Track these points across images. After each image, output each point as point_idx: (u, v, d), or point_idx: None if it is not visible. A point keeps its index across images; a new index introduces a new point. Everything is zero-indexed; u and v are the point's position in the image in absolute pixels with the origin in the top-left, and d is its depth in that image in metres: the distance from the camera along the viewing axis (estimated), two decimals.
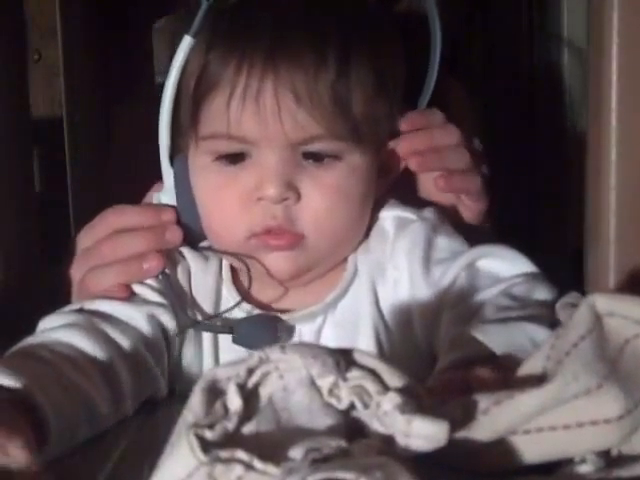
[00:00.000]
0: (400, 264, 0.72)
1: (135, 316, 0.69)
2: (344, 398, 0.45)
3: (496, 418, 0.47)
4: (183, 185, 0.73)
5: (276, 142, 0.66)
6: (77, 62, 1.18)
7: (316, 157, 0.68)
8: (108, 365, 0.63)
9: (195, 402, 0.43)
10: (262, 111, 0.64)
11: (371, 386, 0.45)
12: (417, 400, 0.45)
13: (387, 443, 0.44)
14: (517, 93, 1.27)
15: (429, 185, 0.78)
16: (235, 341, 0.71)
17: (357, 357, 0.47)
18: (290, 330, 0.72)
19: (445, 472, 0.46)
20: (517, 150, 1.22)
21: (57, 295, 0.75)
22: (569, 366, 0.48)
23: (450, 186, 0.77)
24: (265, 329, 0.70)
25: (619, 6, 0.66)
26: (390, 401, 0.44)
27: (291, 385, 0.45)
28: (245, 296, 0.74)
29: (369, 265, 0.73)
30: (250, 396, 0.44)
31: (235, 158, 0.68)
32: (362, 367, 0.46)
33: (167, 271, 0.73)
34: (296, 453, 0.41)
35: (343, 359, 0.47)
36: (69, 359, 0.60)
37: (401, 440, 0.43)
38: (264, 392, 0.45)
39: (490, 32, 1.35)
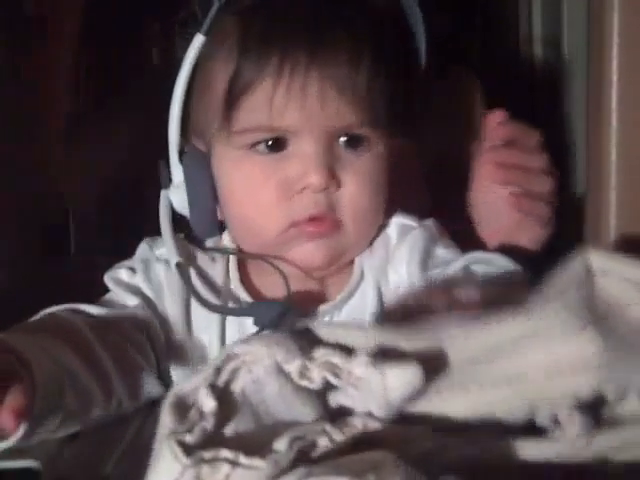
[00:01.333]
0: (399, 269, 0.74)
1: (117, 313, 0.70)
2: (315, 377, 0.46)
3: (473, 341, 0.48)
4: (194, 181, 0.74)
5: (318, 132, 0.68)
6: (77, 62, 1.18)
7: (352, 145, 0.70)
8: (88, 348, 0.63)
9: (166, 419, 0.43)
10: (307, 103, 0.67)
11: (338, 358, 0.46)
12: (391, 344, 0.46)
13: (367, 419, 0.44)
14: (517, 94, 1.27)
15: (498, 199, 0.78)
16: (256, 323, 0.71)
17: (319, 332, 0.49)
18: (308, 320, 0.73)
19: (444, 472, 0.46)
20: None
21: (57, 295, 0.75)
22: (552, 305, 0.49)
23: (522, 205, 0.77)
24: (282, 313, 0.71)
25: (619, 6, 0.66)
26: (359, 364, 0.45)
27: (261, 376, 0.46)
28: (255, 295, 0.74)
29: (374, 268, 0.75)
30: (223, 395, 0.45)
31: (273, 148, 0.69)
32: (327, 343, 0.47)
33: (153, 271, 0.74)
34: (280, 445, 0.41)
35: (307, 339, 0.47)
36: (48, 337, 0.61)
37: (380, 394, 0.44)
38: (236, 387, 0.45)
39: (490, 34, 1.35)
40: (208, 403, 0.43)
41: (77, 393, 0.59)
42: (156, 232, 0.75)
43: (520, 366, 0.47)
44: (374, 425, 0.45)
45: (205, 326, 0.73)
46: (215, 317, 0.72)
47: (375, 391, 0.44)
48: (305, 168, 0.69)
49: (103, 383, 0.63)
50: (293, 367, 0.46)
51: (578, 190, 0.87)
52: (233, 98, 0.69)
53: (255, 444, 0.42)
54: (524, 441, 0.47)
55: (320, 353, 0.47)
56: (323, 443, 0.42)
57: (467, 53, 1.30)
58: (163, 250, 0.74)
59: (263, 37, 0.69)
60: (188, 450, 0.40)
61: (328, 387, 0.47)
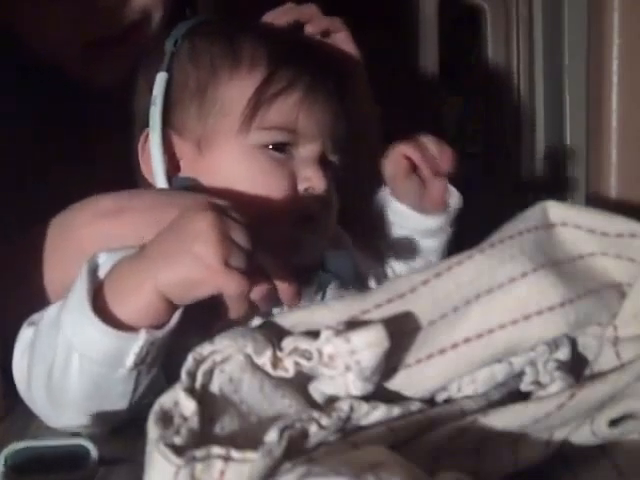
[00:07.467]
0: None
1: None
2: (288, 366, 0.46)
3: (435, 288, 0.50)
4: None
5: (324, 142, 0.76)
6: None
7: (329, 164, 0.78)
8: None
9: (152, 429, 0.42)
10: (322, 120, 0.76)
11: (305, 342, 0.46)
12: None
13: (354, 401, 0.45)
14: (517, 94, 1.27)
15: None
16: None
17: (282, 323, 0.49)
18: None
19: (443, 472, 0.46)
20: (516, 149, 1.22)
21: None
22: (508, 248, 0.50)
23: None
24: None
25: (619, 6, 0.66)
26: (326, 340, 0.46)
27: (235, 374, 0.46)
28: None
29: None
30: (203, 397, 0.45)
31: (279, 149, 0.75)
32: (292, 332, 0.48)
33: None
34: (271, 436, 0.41)
35: (271, 331, 0.48)
36: None
37: (351, 363, 0.45)
38: (214, 389, 0.46)
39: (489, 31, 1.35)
40: (188, 405, 0.43)
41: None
42: None
43: (487, 314, 0.48)
44: (360, 406, 0.45)
45: None
46: None
47: (347, 362, 0.45)
48: (312, 171, 0.75)
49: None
50: (266, 359, 0.47)
51: (578, 190, 0.87)
52: (266, 99, 0.75)
53: (244, 439, 0.42)
54: (511, 406, 0.47)
55: (287, 341, 0.47)
56: (313, 430, 0.42)
57: (467, 54, 1.30)
58: None
59: (291, 59, 0.76)
60: (178, 451, 0.40)
61: (308, 380, 0.48)
